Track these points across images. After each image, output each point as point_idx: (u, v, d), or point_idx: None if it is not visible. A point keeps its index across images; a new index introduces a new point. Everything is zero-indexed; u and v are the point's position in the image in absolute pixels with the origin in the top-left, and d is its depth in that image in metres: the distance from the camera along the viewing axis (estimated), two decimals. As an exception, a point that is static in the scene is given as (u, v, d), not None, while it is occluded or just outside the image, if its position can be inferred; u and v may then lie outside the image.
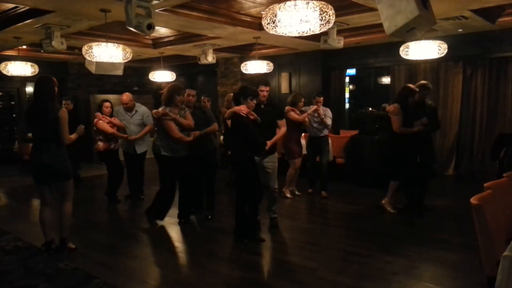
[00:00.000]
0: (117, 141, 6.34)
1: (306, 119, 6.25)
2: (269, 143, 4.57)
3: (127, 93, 6.48)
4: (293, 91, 10.02)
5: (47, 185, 4.21)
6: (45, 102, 4.05)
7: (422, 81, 5.72)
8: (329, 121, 6.47)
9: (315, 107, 6.32)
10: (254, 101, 4.47)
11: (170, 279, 3.72)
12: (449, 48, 6.10)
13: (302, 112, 6.31)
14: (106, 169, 6.56)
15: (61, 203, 4.25)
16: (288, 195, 6.58)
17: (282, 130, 4.93)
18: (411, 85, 5.50)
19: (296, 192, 6.72)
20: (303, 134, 6.80)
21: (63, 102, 7.37)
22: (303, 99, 6.39)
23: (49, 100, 4.06)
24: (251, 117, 4.38)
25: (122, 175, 6.55)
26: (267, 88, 4.86)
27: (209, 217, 5.46)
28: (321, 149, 6.55)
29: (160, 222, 5.26)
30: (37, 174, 4.15)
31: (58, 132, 4.04)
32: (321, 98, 6.51)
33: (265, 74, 9.10)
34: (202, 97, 6.87)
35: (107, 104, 6.27)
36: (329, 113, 6.54)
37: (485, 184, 3.04)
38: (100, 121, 6.14)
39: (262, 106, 4.80)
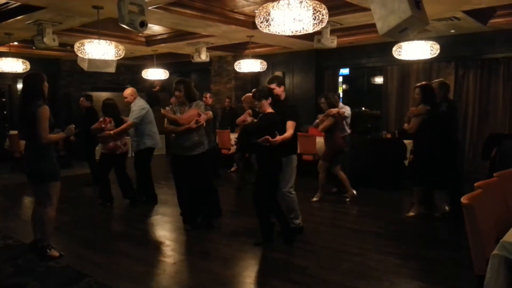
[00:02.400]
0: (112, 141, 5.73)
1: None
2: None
3: (130, 87, 6.18)
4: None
5: (31, 184, 4.09)
6: (23, 99, 3.93)
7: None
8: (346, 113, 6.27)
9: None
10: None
11: (162, 278, 3.70)
12: (441, 48, 6.14)
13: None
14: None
15: (42, 207, 3.97)
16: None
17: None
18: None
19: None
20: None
21: (81, 99, 7.29)
22: (321, 99, 6.16)
23: (28, 97, 3.88)
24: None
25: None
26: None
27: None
28: None
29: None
30: (24, 172, 4.05)
31: (35, 130, 3.76)
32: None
33: (258, 73, 9.11)
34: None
35: None
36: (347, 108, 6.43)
37: (476, 184, 3.07)
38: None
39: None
